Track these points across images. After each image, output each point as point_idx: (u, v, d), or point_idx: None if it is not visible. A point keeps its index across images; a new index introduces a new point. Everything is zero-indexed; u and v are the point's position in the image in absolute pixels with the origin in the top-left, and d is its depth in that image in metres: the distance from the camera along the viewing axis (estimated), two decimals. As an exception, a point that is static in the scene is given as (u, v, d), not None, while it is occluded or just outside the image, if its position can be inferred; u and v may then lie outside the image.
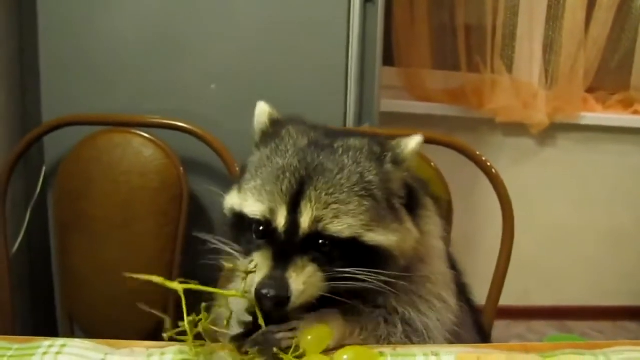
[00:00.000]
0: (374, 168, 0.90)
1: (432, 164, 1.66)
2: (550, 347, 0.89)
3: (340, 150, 0.90)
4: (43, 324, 1.95)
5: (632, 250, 3.24)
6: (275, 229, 0.85)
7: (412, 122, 2.80)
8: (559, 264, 3.21)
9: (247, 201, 0.89)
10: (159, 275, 1.71)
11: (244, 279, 0.83)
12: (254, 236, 0.87)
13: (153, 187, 1.67)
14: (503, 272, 1.61)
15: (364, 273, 0.84)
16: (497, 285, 1.61)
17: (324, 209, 0.84)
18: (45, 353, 0.83)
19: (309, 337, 0.82)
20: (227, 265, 0.86)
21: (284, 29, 1.74)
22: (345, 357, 0.80)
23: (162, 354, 0.84)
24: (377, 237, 0.86)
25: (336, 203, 0.85)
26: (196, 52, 1.75)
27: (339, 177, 0.86)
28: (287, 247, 0.84)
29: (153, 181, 1.67)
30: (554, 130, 3.05)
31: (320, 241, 0.84)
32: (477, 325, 1.10)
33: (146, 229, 1.68)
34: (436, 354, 0.85)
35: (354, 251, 0.85)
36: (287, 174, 0.87)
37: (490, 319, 1.61)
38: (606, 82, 3.15)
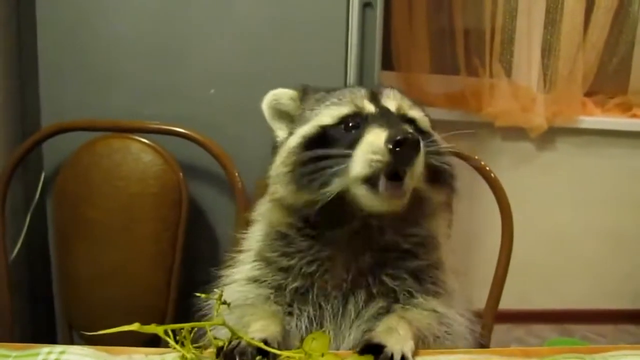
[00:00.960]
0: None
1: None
2: (550, 352, 0.89)
3: None
4: (42, 330, 1.95)
5: (632, 252, 3.23)
6: (367, 116, 0.92)
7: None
8: (559, 267, 3.21)
9: (324, 116, 0.94)
10: (159, 279, 1.72)
11: (217, 308, 0.83)
12: (345, 134, 0.91)
13: (152, 192, 1.67)
14: (502, 275, 1.61)
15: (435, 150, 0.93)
16: (496, 288, 1.61)
17: (401, 100, 0.97)
18: (44, 359, 0.83)
19: (313, 341, 0.82)
20: (201, 295, 0.87)
21: (283, 33, 1.74)
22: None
23: (162, 360, 0.84)
24: (439, 141, 0.99)
25: (407, 101, 0.99)
26: (195, 57, 1.75)
27: (402, 94, 1.00)
28: (387, 115, 0.91)
29: (152, 186, 1.67)
30: (553, 134, 3.05)
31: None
32: None
33: (145, 234, 1.68)
34: (436, 360, 0.84)
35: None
36: (357, 88, 1.00)
37: (490, 322, 1.61)
38: (604, 85, 3.16)
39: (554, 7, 2.93)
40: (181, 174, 1.68)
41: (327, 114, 0.94)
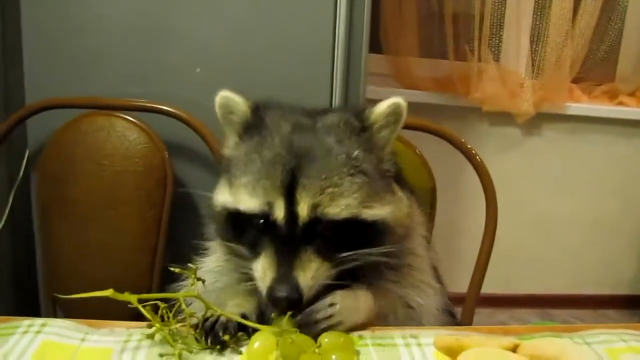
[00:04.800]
0: (355, 141, 0.92)
1: (417, 150, 1.66)
2: (529, 330, 0.90)
3: (323, 131, 0.92)
4: (26, 306, 1.94)
5: (615, 239, 3.27)
6: (274, 222, 0.86)
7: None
8: (542, 252, 3.25)
9: (241, 198, 0.89)
10: (142, 258, 1.71)
11: (193, 283, 0.84)
12: (254, 232, 0.88)
13: (137, 171, 1.66)
14: (485, 259, 1.62)
15: (364, 253, 0.86)
16: (479, 272, 1.62)
17: (320, 194, 0.85)
18: (25, 332, 0.83)
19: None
20: (175, 268, 0.86)
21: (270, 13, 1.73)
22: (326, 340, 0.80)
23: (143, 333, 0.84)
24: (374, 212, 0.89)
25: (330, 187, 0.86)
26: (181, 35, 1.73)
27: (327, 160, 0.88)
28: (289, 239, 0.85)
29: (137, 165, 1.66)
30: (540, 119, 3.07)
31: (320, 226, 0.86)
32: (447, 306, 1.13)
33: (130, 213, 1.67)
34: (415, 337, 0.85)
35: (353, 230, 0.87)
36: (278, 166, 0.87)
37: (472, 305, 1.63)
38: (592, 73, 3.17)
39: (543, -7, 2.93)
40: (166, 152, 1.67)
41: (245, 199, 0.88)
